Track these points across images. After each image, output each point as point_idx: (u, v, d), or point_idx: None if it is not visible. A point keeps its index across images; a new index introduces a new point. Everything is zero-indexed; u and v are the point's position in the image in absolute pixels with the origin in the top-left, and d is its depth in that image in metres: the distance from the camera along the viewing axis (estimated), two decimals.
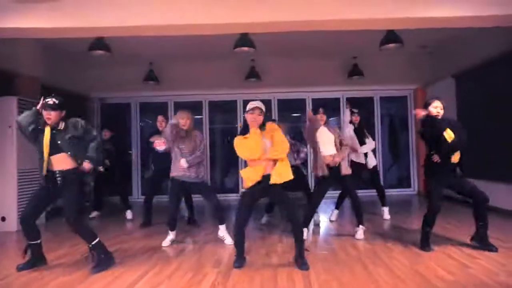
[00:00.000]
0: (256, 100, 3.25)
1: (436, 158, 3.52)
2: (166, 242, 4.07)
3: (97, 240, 3.26)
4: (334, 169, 4.07)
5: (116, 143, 6.08)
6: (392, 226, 4.82)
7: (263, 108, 3.18)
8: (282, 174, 3.14)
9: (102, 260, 3.24)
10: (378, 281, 2.83)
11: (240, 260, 3.27)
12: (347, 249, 3.73)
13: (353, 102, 5.84)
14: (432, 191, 3.59)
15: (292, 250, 3.36)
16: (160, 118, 5.21)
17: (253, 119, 3.17)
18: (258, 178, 3.12)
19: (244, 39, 5.07)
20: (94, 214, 5.91)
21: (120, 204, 6.01)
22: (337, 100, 7.87)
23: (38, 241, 3.31)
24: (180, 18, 3.79)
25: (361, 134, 5.15)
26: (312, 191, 4.77)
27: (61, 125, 3.25)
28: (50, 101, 3.18)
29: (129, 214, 5.75)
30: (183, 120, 4.01)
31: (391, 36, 5.02)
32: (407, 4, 3.72)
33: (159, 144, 4.97)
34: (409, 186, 8.00)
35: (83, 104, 7.54)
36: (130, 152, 7.85)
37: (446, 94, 6.08)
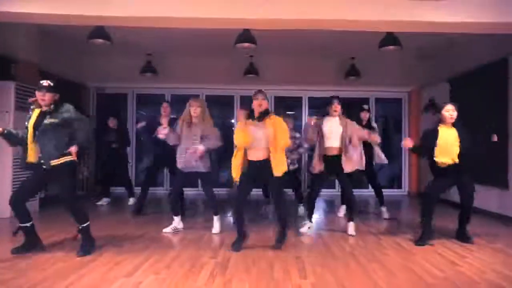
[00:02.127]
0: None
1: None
2: (168, 229, 4.22)
3: (87, 224, 3.35)
4: (330, 166, 4.16)
5: (120, 132, 6.33)
6: (385, 224, 4.92)
7: (265, 94, 3.51)
8: (279, 166, 3.42)
9: (86, 245, 3.34)
10: (372, 275, 2.92)
11: (238, 242, 3.47)
12: (341, 245, 3.82)
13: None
14: (433, 182, 3.85)
15: (288, 242, 3.53)
16: (165, 104, 5.32)
17: (259, 104, 3.46)
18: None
19: (246, 35, 5.10)
20: (104, 201, 6.15)
21: (125, 192, 6.36)
22: None
23: (29, 224, 3.32)
24: (181, 11, 3.79)
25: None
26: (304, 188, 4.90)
27: (52, 108, 3.23)
28: (45, 82, 3.21)
29: (132, 201, 6.07)
30: (193, 108, 4.11)
31: (390, 38, 5.10)
32: (404, 8, 3.77)
33: (161, 132, 5.01)
34: (400, 187, 8.15)
35: (79, 92, 7.48)
36: None
37: (440, 98, 6.20)
